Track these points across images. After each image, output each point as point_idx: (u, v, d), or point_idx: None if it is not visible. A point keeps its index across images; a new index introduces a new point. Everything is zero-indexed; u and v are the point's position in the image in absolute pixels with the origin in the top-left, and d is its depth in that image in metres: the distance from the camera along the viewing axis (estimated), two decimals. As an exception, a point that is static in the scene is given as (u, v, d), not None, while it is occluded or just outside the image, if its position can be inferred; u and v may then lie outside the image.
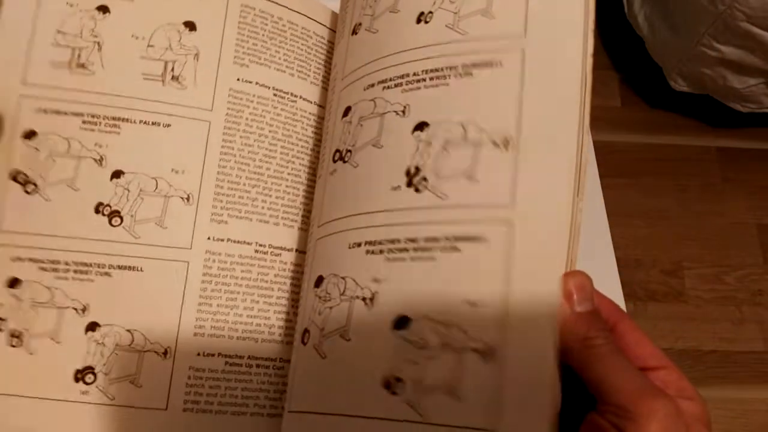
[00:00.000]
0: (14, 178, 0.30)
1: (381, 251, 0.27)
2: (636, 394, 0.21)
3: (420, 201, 0.27)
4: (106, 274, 0.30)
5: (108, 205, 0.31)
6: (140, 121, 0.32)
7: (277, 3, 0.36)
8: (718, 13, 0.82)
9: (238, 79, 0.34)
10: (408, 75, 0.29)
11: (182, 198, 0.32)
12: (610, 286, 0.40)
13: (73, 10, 0.32)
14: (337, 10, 0.39)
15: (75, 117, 0.31)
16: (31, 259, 0.30)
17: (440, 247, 0.26)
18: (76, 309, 0.30)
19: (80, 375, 0.29)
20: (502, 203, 0.25)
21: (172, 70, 0.33)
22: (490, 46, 0.27)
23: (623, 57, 1.11)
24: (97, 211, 0.31)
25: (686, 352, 0.93)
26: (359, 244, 0.28)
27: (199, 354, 0.30)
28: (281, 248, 0.33)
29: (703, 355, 0.93)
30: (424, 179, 0.27)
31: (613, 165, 1.03)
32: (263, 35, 0.35)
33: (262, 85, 0.34)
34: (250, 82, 0.34)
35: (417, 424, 0.24)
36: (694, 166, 1.06)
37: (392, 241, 0.27)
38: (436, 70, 0.28)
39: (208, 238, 0.32)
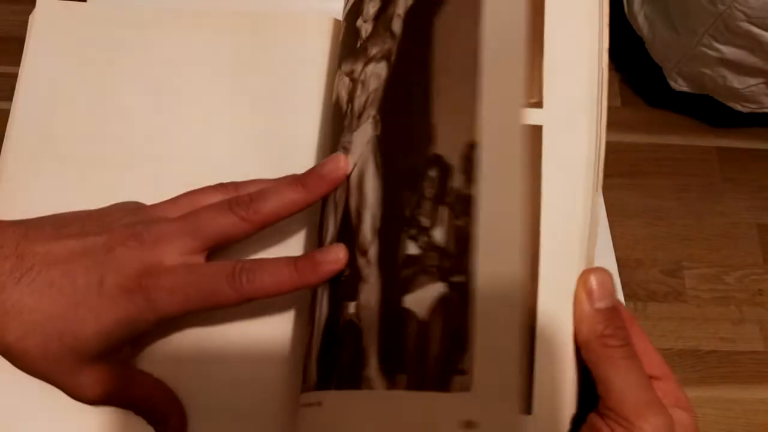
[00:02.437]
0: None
1: None
2: (637, 405, 0.22)
3: None
4: None
5: None
6: None
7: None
8: (718, 13, 0.82)
9: None
10: None
11: None
12: (610, 286, 0.40)
13: None
14: (338, 16, 0.39)
15: None
16: None
17: None
18: None
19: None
20: None
21: None
22: None
23: (623, 57, 1.11)
24: None
25: (686, 352, 0.93)
26: None
27: None
28: None
29: (703, 355, 0.93)
30: None
31: (613, 165, 1.03)
32: None
33: None
34: None
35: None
36: (694, 166, 1.06)
37: None
38: None
39: None
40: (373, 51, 0.29)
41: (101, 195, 0.34)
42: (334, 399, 0.25)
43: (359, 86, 0.29)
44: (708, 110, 1.06)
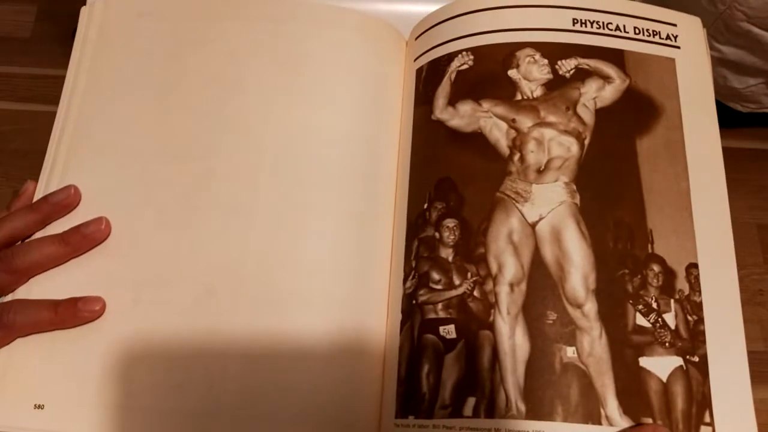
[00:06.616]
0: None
1: None
2: None
3: None
4: None
5: None
6: None
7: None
8: (718, 13, 0.82)
9: None
10: None
11: None
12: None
13: None
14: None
15: None
16: None
17: None
18: None
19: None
20: None
21: None
22: None
23: (623, 57, 1.10)
24: None
25: (686, 352, 0.93)
26: None
27: None
28: None
29: (703, 355, 0.93)
30: None
31: (613, 165, 1.02)
32: None
33: None
34: None
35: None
36: (694, 166, 1.06)
37: None
38: None
39: None
40: (551, 119, 0.34)
41: (162, 187, 0.35)
42: (565, 430, 0.30)
43: (532, 142, 0.34)
44: (708, 110, 1.06)
